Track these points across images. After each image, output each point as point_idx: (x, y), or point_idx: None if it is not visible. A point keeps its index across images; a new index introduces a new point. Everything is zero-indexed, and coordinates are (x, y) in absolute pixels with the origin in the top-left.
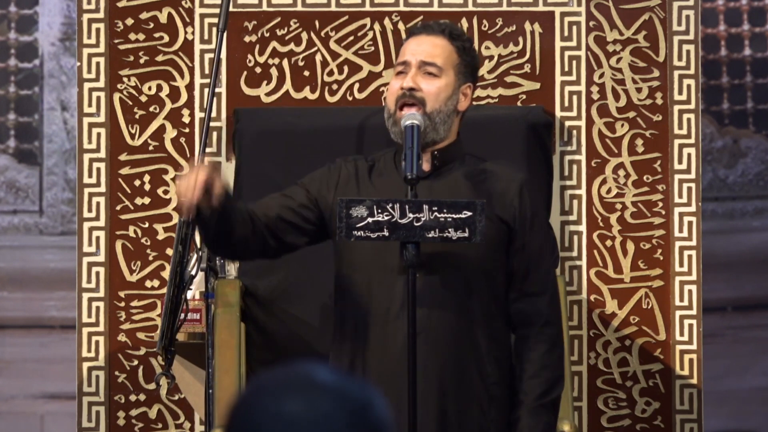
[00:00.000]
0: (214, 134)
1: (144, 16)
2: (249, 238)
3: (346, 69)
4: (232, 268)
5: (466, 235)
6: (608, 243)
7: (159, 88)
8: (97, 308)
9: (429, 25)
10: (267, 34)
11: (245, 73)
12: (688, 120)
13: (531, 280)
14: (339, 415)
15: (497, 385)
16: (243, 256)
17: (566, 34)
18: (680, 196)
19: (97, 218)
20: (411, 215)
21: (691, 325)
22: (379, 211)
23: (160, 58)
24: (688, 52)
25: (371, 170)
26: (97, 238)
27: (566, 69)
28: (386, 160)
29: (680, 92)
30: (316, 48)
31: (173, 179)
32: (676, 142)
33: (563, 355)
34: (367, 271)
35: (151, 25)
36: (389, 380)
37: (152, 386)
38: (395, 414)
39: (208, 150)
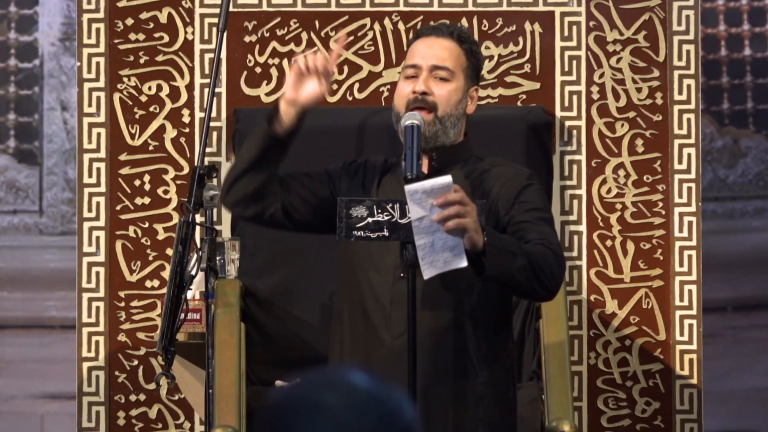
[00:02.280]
0: (214, 134)
1: (144, 16)
2: (271, 192)
3: (346, 69)
4: (232, 268)
5: None
6: (608, 243)
7: (159, 88)
8: (97, 308)
9: (438, 27)
10: (267, 34)
11: (245, 73)
12: (688, 120)
13: (525, 234)
14: (371, 413)
15: (486, 384)
16: (261, 211)
17: (566, 34)
18: (680, 196)
19: (97, 218)
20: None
21: (691, 325)
22: (379, 211)
23: (160, 58)
24: (688, 52)
25: (384, 171)
26: (97, 238)
27: (566, 69)
28: (393, 159)
29: (680, 92)
30: (316, 48)
31: (173, 179)
32: (676, 142)
33: (556, 271)
34: (360, 270)
35: (151, 25)
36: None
37: (152, 386)
38: None
39: (208, 150)
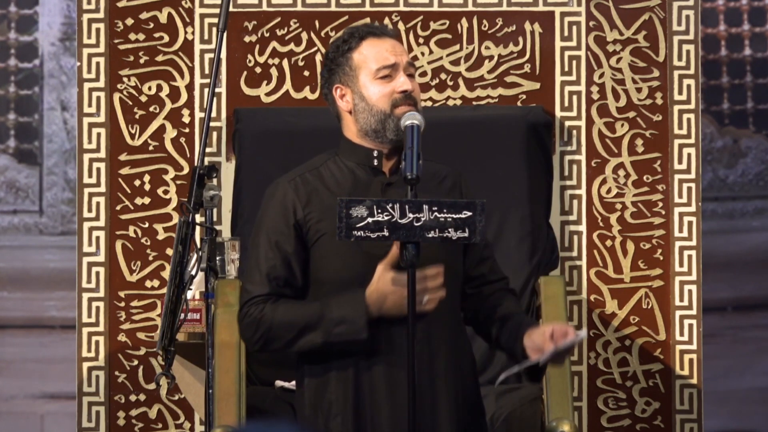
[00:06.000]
0: (214, 134)
1: (144, 16)
2: None
3: None
4: (232, 268)
5: (466, 235)
6: (608, 243)
7: (159, 88)
8: (97, 308)
9: (381, 28)
10: (267, 34)
11: (245, 73)
12: (688, 120)
13: (494, 267)
14: None
15: (473, 373)
16: None
17: (566, 34)
18: (680, 196)
19: (97, 218)
20: (411, 215)
21: (691, 325)
22: (379, 211)
23: (160, 58)
24: (688, 52)
25: (321, 180)
26: (97, 238)
27: (566, 69)
28: (337, 165)
29: (680, 92)
30: (316, 48)
31: (173, 179)
32: (676, 142)
33: None
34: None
35: (151, 25)
36: (389, 383)
37: (152, 386)
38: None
39: (208, 150)
